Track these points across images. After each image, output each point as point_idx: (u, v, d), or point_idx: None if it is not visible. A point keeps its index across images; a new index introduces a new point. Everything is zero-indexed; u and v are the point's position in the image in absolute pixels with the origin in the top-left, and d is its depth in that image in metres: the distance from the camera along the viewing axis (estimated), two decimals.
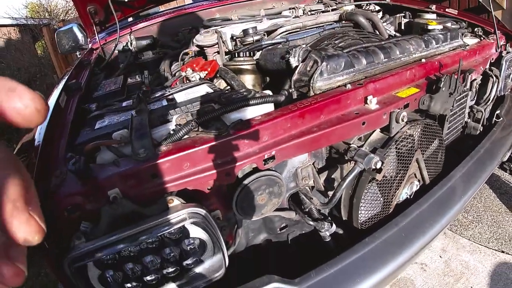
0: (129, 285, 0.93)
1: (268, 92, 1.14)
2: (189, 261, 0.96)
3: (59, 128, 1.17)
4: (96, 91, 1.58)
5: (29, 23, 8.54)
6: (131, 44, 2.28)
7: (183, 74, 1.49)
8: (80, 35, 2.58)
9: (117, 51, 2.28)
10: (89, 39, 2.66)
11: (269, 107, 1.09)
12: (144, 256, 0.92)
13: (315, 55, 1.19)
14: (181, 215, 0.87)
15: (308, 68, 1.19)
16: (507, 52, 1.89)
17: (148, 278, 0.95)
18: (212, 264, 0.99)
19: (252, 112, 1.06)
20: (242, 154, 0.97)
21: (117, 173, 0.88)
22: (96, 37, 2.39)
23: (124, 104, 1.36)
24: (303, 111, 1.04)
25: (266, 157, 0.97)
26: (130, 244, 0.85)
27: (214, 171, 0.93)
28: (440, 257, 2.16)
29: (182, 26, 2.46)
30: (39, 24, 8.35)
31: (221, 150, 0.95)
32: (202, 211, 0.89)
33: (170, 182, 0.92)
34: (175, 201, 0.91)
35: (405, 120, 1.18)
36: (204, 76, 1.45)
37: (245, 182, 0.98)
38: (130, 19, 2.87)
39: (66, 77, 1.71)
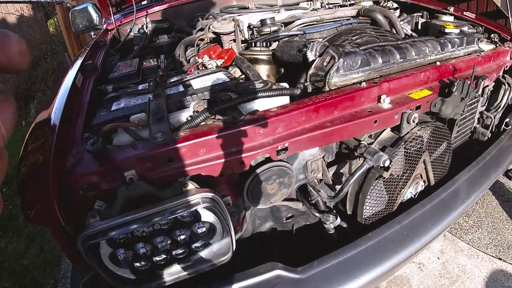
0: (138, 264, 0.96)
1: (285, 84, 1.15)
2: (198, 244, 1.00)
3: (76, 108, 1.18)
4: (111, 72, 1.60)
5: (42, 0, 8.51)
6: (146, 27, 2.30)
7: (200, 60, 1.51)
8: (94, 15, 2.59)
9: (132, 33, 2.29)
10: (103, 19, 2.67)
11: (285, 100, 1.11)
12: (155, 237, 0.95)
13: (332, 51, 1.21)
14: (195, 199, 0.90)
15: (325, 64, 1.21)
16: None
17: (157, 258, 0.98)
18: (219, 248, 1.02)
19: (268, 103, 1.09)
20: (257, 144, 0.99)
21: (135, 155, 0.91)
22: (112, 18, 2.39)
23: (140, 87, 1.38)
24: (318, 105, 1.07)
25: (279, 148, 1.00)
26: (144, 224, 0.88)
27: (229, 158, 0.96)
28: (438, 258, 2.20)
29: (198, 11, 2.46)
30: (52, 1, 8.32)
31: (237, 139, 0.98)
32: (215, 197, 0.92)
33: (185, 166, 0.95)
34: (190, 185, 0.94)
35: (416, 121, 1.20)
36: (221, 64, 1.47)
37: (258, 171, 1.01)
38: (145, 2, 2.87)
39: (82, 57, 1.72)
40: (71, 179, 0.87)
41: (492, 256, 2.19)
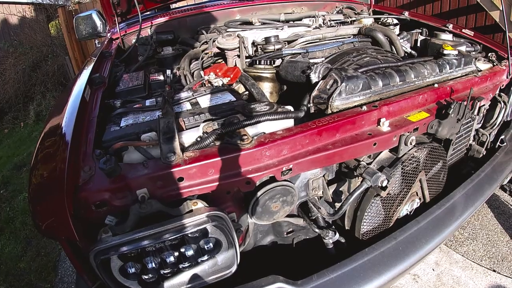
0: (146, 276, 1.01)
1: (289, 107, 1.21)
2: (204, 258, 1.05)
3: (86, 123, 1.23)
4: (117, 85, 1.64)
5: (44, 2, 8.54)
6: (151, 37, 2.34)
7: (206, 77, 1.56)
8: (99, 23, 2.63)
9: (137, 44, 2.34)
10: (107, 28, 2.71)
11: (289, 122, 1.17)
12: (164, 252, 1.00)
13: (335, 75, 1.26)
14: (204, 217, 0.96)
15: (328, 86, 1.27)
16: None
17: (165, 271, 1.03)
18: (224, 262, 1.07)
19: (273, 125, 1.14)
20: (263, 165, 1.05)
21: (147, 174, 0.96)
22: (117, 27, 2.44)
23: (147, 102, 1.43)
24: (321, 129, 1.12)
25: (284, 169, 1.05)
26: (154, 241, 0.93)
27: (236, 179, 1.02)
28: (433, 270, 2.25)
29: (202, 24, 2.51)
30: (55, 4, 8.36)
31: (244, 160, 1.03)
32: (223, 215, 0.98)
33: (194, 186, 1.00)
34: (199, 204, 0.99)
35: (413, 143, 1.26)
36: (226, 82, 1.52)
37: (263, 190, 1.07)
38: (149, 12, 2.91)
39: (89, 68, 1.76)
40: (83, 194, 0.92)
41: (487, 268, 2.24)
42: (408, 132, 1.27)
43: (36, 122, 5.93)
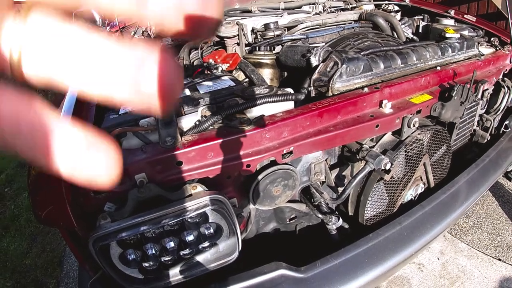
0: (146, 264, 1.00)
1: (289, 89, 1.19)
2: (205, 244, 1.03)
3: (84, 110, 1.22)
4: None
5: None
6: (150, 29, 2.32)
7: (205, 64, 1.54)
8: (97, 16, 2.61)
9: (136, 36, 2.32)
10: (106, 21, 2.69)
11: (290, 105, 1.14)
12: (164, 238, 0.99)
13: (336, 57, 1.24)
14: (203, 201, 0.94)
15: (328, 69, 1.25)
16: None
17: (165, 258, 1.01)
18: (226, 248, 1.06)
19: (273, 108, 1.12)
20: (263, 148, 1.03)
21: (145, 158, 0.94)
22: (116, 20, 2.42)
23: None
24: (322, 111, 1.10)
25: (284, 152, 1.04)
26: (154, 226, 0.91)
27: (236, 162, 1.00)
28: (438, 259, 2.23)
29: None
30: None
31: (244, 143, 1.01)
32: (223, 199, 0.96)
33: (194, 170, 0.99)
34: (198, 188, 0.97)
35: (416, 125, 1.24)
36: (226, 68, 1.50)
37: (263, 174, 1.05)
38: None
39: None
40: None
41: (492, 256, 2.22)
42: (411, 114, 1.25)
43: None
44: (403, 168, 1.34)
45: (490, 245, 2.31)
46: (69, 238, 1.00)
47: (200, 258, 1.05)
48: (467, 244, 2.33)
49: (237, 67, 1.61)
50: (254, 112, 1.10)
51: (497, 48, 1.96)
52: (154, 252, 0.99)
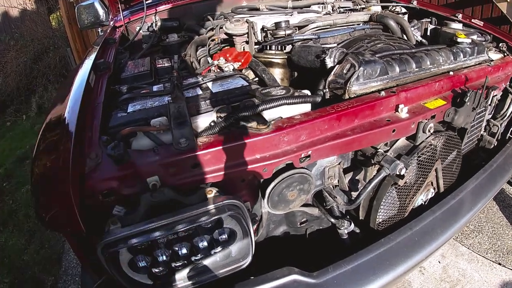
0: (156, 269, 0.96)
1: (307, 91, 1.17)
2: (217, 250, 1.00)
3: (91, 109, 1.16)
4: (122, 71, 1.58)
5: None
6: (156, 25, 2.28)
7: (215, 62, 1.51)
8: (101, 11, 2.55)
9: (141, 31, 2.28)
10: (110, 16, 2.64)
11: (307, 107, 1.12)
12: (176, 244, 0.95)
13: (353, 59, 1.22)
14: (221, 206, 0.91)
15: (345, 71, 1.23)
16: None
17: (176, 264, 0.98)
18: (239, 252, 1.03)
19: (290, 110, 1.10)
20: (281, 152, 1.01)
21: (158, 160, 0.91)
22: (121, 14, 2.37)
23: (155, 88, 1.37)
24: (340, 114, 1.08)
25: (302, 156, 1.01)
26: (167, 232, 0.88)
27: (253, 165, 0.97)
28: (439, 262, 2.24)
29: (207, 11, 2.45)
30: None
31: (261, 146, 0.99)
32: (240, 204, 0.93)
33: (209, 173, 0.96)
34: (214, 192, 0.95)
35: (432, 131, 1.22)
36: (237, 67, 1.47)
37: (280, 177, 1.02)
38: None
39: (93, 55, 1.69)
40: (90, 183, 0.86)
41: (492, 261, 2.23)
42: (426, 119, 1.24)
43: (39, 114, 5.82)
44: (415, 173, 1.33)
45: (491, 249, 2.32)
46: (74, 242, 0.95)
47: (211, 263, 1.02)
48: (468, 248, 2.33)
49: (247, 66, 1.58)
50: (271, 114, 1.08)
51: (505, 54, 1.96)
52: (165, 258, 0.95)
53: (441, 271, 2.17)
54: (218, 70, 1.50)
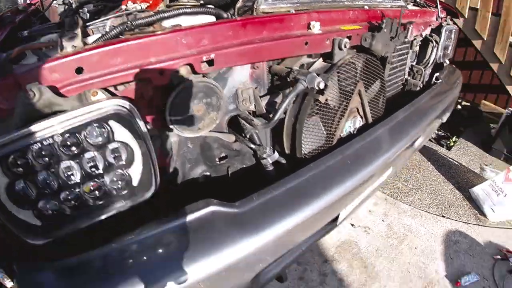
0: (42, 203, 0.81)
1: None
2: (113, 176, 0.86)
3: None
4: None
5: None
6: None
7: (123, 7, 1.39)
8: None
9: (56, 5, 2.14)
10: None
11: (211, 19, 1.04)
12: (60, 162, 0.80)
13: None
14: (104, 106, 0.79)
15: None
16: (447, 24, 2.01)
17: (64, 195, 0.83)
18: (140, 180, 0.90)
19: (194, 21, 1.01)
20: (179, 54, 0.91)
21: (38, 66, 0.78)
22: None
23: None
24: (245, 22, 1.01)
25: (204, 59, 0.92)
26: (42, 139, 0.75)
27: (146, 67, 0.86)
28: (383, 220, 2.22)
29: None
30: None
31: (156, 48, 0.89)
32: (128, 104, 0.81)
33: (97, 77, 0.83)
34: (100, 94, 0.82)
35: (348, 46, 1.19)
36: (146, 7, 1.37)
37: (181, 85, 0.91)
38: None
39: None
40: None
41: (435, 214, 2.26)
42: (341, 37, 1.20)
43: None
44: (338, 96, 1.27)
45: (432, 204, 2.35)
46: None
47: (109, 195, 0.87)
48: (409, 205, 2.35)
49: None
50: (172, 24, 0.98)
51: (423, 7, 2.03)
52: (49, 184, 0.80)
53: (386, 229, 2.14)
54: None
